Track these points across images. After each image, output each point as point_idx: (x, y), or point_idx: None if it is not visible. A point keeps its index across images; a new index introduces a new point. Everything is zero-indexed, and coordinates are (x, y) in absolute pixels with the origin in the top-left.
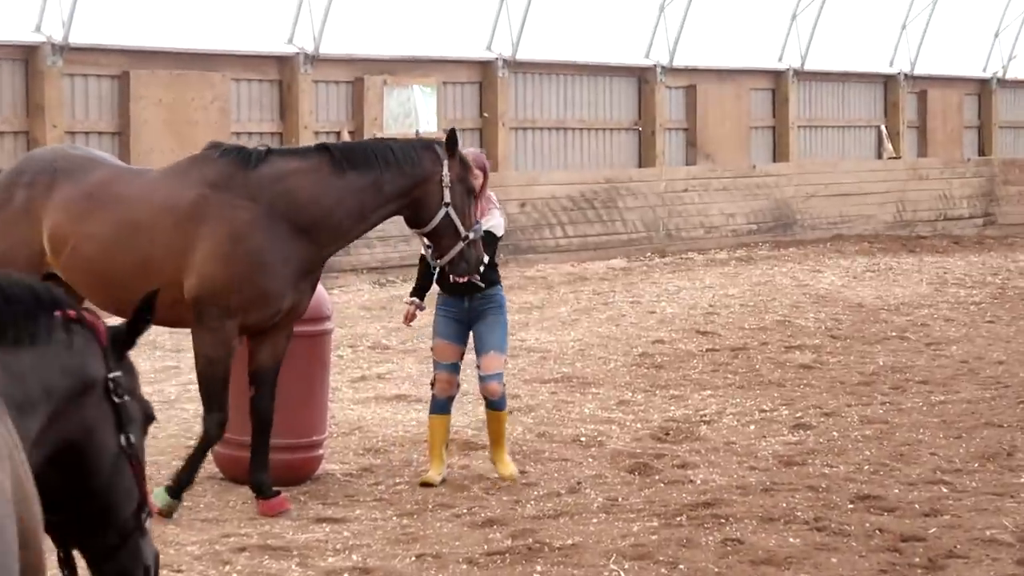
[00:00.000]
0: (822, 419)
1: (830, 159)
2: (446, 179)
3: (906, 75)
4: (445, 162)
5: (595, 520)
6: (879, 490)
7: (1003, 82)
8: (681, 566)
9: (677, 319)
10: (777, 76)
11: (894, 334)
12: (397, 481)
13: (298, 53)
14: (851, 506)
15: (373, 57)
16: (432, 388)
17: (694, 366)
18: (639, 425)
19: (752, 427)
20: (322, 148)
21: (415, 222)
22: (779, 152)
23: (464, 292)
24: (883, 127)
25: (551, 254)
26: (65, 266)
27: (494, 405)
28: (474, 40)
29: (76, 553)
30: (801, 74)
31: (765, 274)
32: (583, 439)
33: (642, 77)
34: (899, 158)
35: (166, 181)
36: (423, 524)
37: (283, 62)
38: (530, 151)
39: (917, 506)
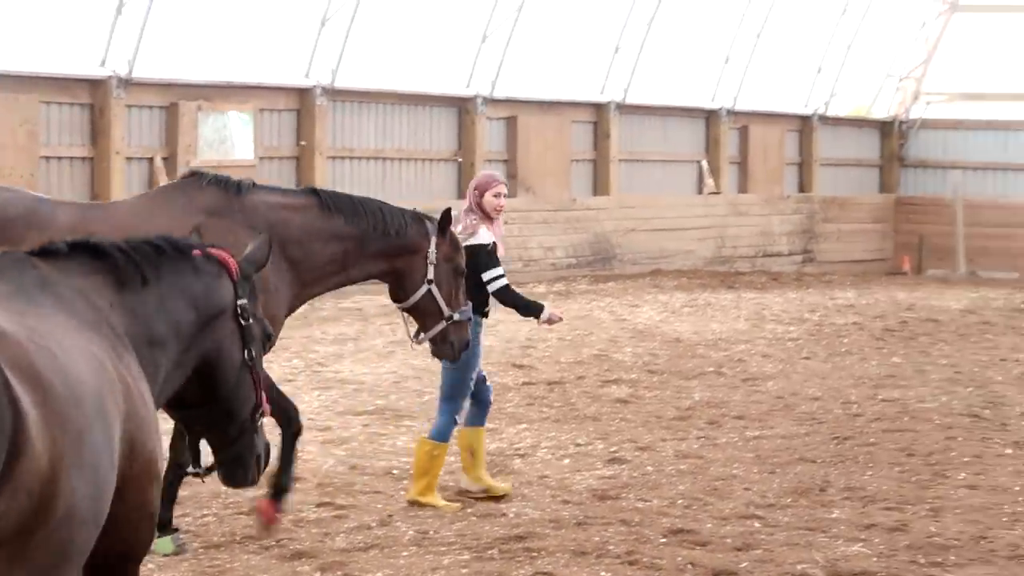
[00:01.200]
0: (637, 453)
1: (651, 193)
2: (432, 256)
3: (728, 110)
4: (433, 239)
5: (405, 553)
6: (692, 524)
7: (824, 119)
8: None
9: (494, 352)
10: (599, 109)
11: (711, 369)
12: (204, 513)
13: (111, 76)
14: (664, 540)
15: (188, 82)
16: (459, 415)
17: (509, 399)
18: (452, 458)
19: (567, 461)
20: (311, 191)
21: (397, 295)
22: (600, 185)
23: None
24: (704, 162)
25: (367, 285)
26: None
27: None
28: (292, 66)
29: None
30: (623, 107)
31: (583, 308)
32: (396, 471)
33: (463, 107)
34: (719, 193)
35: (154, 211)
36: (230, 556)
37: (95, 85)
38: (348, 181)
39: (729, 540)
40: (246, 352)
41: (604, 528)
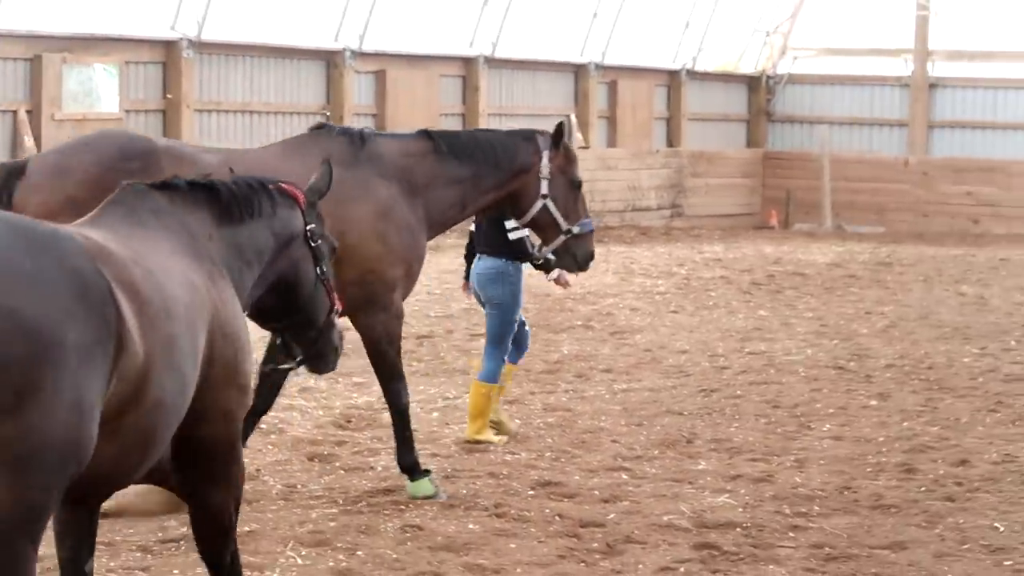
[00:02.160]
0: (506, 407)
1: None
2: (544, 170)
3: (596, 65)
4: (545, 153)
5: (273, 507)
6: (560, 476)
7: (692, 74)
8: (360, 552)
9: None
10: (468, 63)
11: (579, 323)
12: None
13: None
14: (532, 492)
15: (52, 34)
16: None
17: None
18: (321, 412)
19: (435, 414)
20: (424, 134)
21: (513, 212)
22: None
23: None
24: (573, 116)
25: None
26: None
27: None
28: (158, 18)
29: None
30: (492, 61)
31: (452, 262)
32: (263, 426)
33: (331, 61)
34: (588, 148)
35: (293, 161)
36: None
37: None
38: (215, 134)
39: (597, 492)
40: (318, 269)
41: (472, 481)
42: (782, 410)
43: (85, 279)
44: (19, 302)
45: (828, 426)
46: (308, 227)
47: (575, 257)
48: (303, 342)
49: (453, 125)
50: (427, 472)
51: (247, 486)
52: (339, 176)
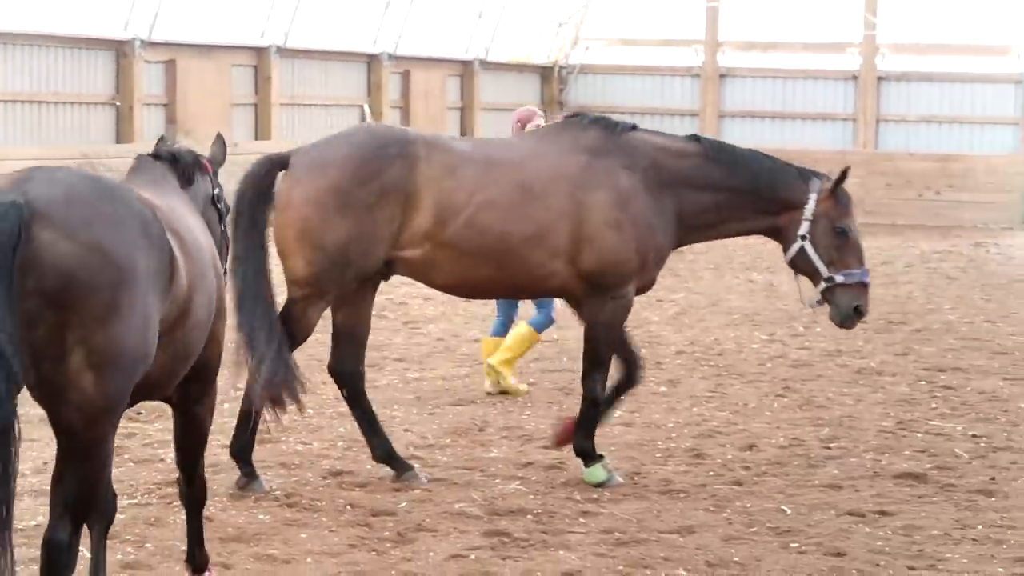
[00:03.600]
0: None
1: (314, 138)
2: (808, 211)
3: (389, 55)
4: (813, 195)
5: None
6: (352, 466)
7: (486, 64)
8: (148, 545)
9: None
10: (259, 53)
11: (372, 313)
12: None
13: None
14: (323, 482)
15: None
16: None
17: None
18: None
19: (227, 405)
20: (696, 138)
21: (783, 251)
22: (261, 130)
23: None
24: (366, 106)
25: None
26: (446, 241)
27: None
28: None
29: None
30: (284, 51)
31: None
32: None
33: (120, 51)
34: None
35: (547, 147)
36: None
37: None
38: (1, 125)
39: (388, 481)
40: (221, 225)
41: (264, 471)
42: (574, 397)
43: (147, 220)
44: (105, 238)
45: (619, 412)
46: (215, 191)
47: (838, 308)
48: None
49: (246, 115)
50: (600, 457)
51: (34, 479)
52: (585, 163)
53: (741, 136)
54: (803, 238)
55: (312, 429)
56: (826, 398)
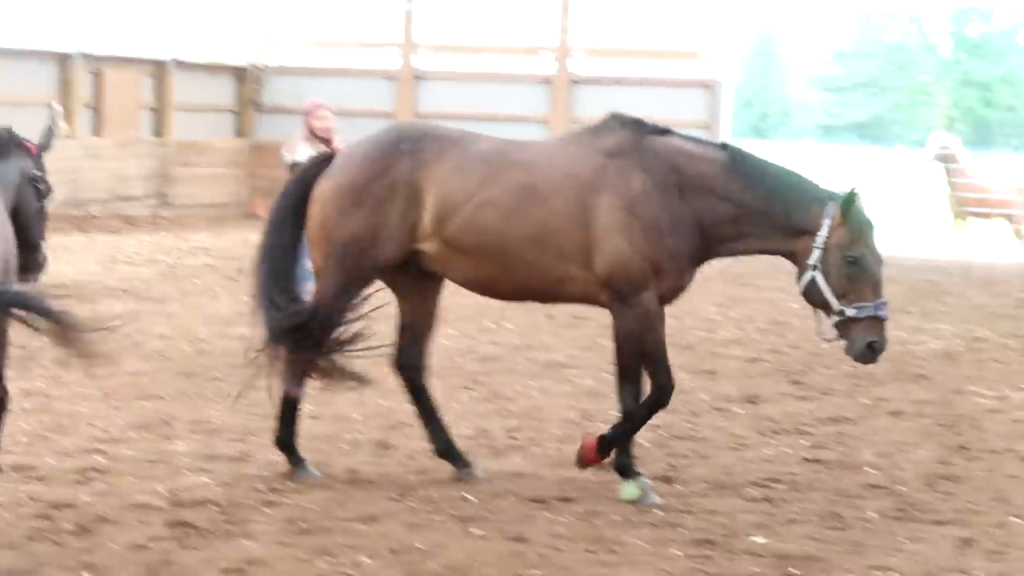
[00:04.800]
0: None
1: None
2: (819, 240)
3: (82, 54)
4: (826, 221)
5: None
6: (33, 460)
7: (180, 64)
8: None
9: None
10: None
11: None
12: None
13: None
14: (2, 476)
15: None
16: None
17: None
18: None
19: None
20: (725, 146)
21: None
22: None
23: None
24: (55, 104)
25: None
26: (449, 239)
27: None
28: None
29: None
30: None
31: None
32: None
33: None
34: (73, 138)
35: (566, 149)
36: None
37: None
38: None
39: (71, 475)
40: (39, 202)
41: None
42: (261, 391)
43: None
44: None
45: (307, 406)
46: (33, 171)
47: (852, 344)
48: (25, 253)
49: None
50: (638, 475)
51: None
52: (599, 165)
53: None
54: (814, 268)
55: None
56: (513, 391)
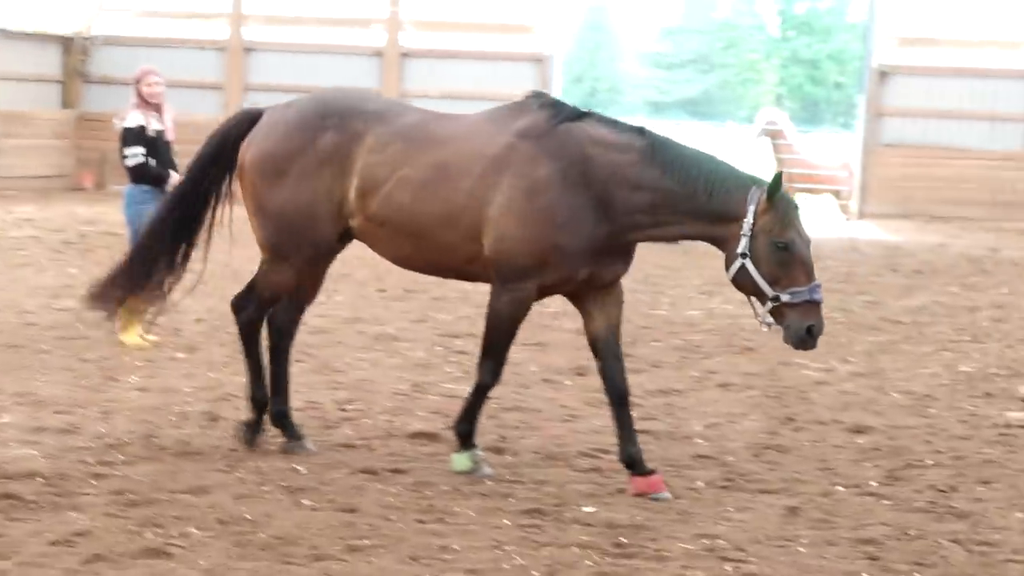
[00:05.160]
0: None
1: None
2: (746, 227)
3: None
4: (752, 207)
5: None
6: None
7: (5, 33)
8: None
9: None
10: None
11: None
12: None
13: None
14: None
15: None
16: None
17: None
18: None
19: None
20: (642, 132)
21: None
22: None
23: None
24: None
25: None
26: (372, 216)
27: None
28: None
29: None
30: None
31: None
32: None
33: None
34: None
35: (482, 126)
36: None
37: None
38: None
39: None
40: None
41: None
42: (90, 364)
43: None
44: None
45: (135, 378)
46: None
47: (789, 330)
48: None
49: None
50: (474, 446)
51: None
52: (509, 146)
53: None
54: (743, 256)
55: None
56: (344, 363)
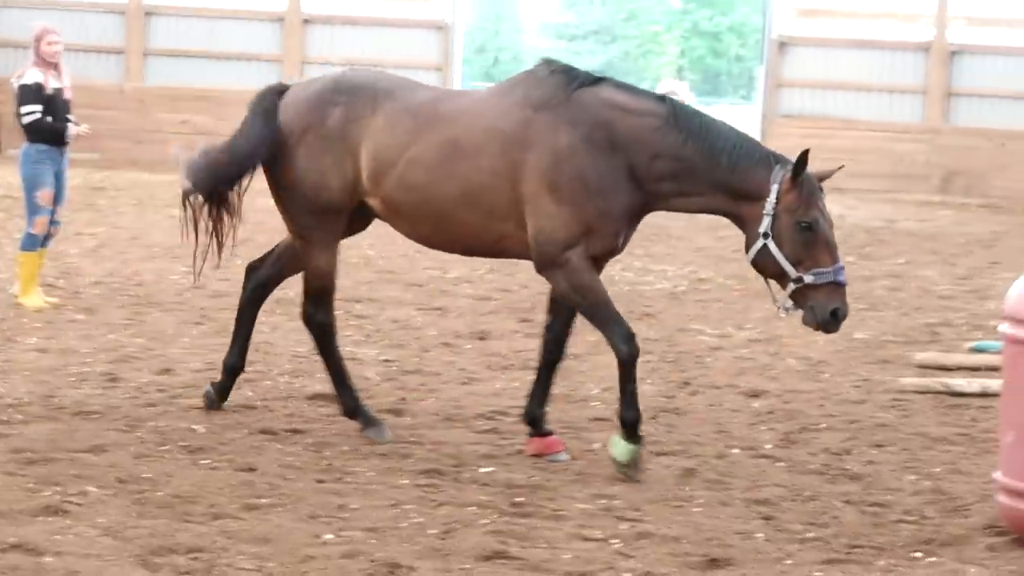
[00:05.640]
0: None
1: None
2: (768, 206)
3: None
4: (775, 186)
5: None
6: None
7: None
8: None
9: None
10: None
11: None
12: None
13: None
14: None
15: None
16: (33, 229)
17: None
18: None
19: None
20: (663, 99)
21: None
22: None
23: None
24: None
25: None
26: (388, 196)
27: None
28: None
29: None
30: None
31: None
32: None
33: None
34: None
35: (494, 101)
36: None
37: None
38: None
39: None
40: None
41: None
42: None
43: None
44: None
45: (34, 339)
46: None
47: (813, 313)
48: None
49: None
50: (640, 439)
51: None
52: (525, 119)
53: (167, 76)
54: (765, 236)
55: None
56: None
